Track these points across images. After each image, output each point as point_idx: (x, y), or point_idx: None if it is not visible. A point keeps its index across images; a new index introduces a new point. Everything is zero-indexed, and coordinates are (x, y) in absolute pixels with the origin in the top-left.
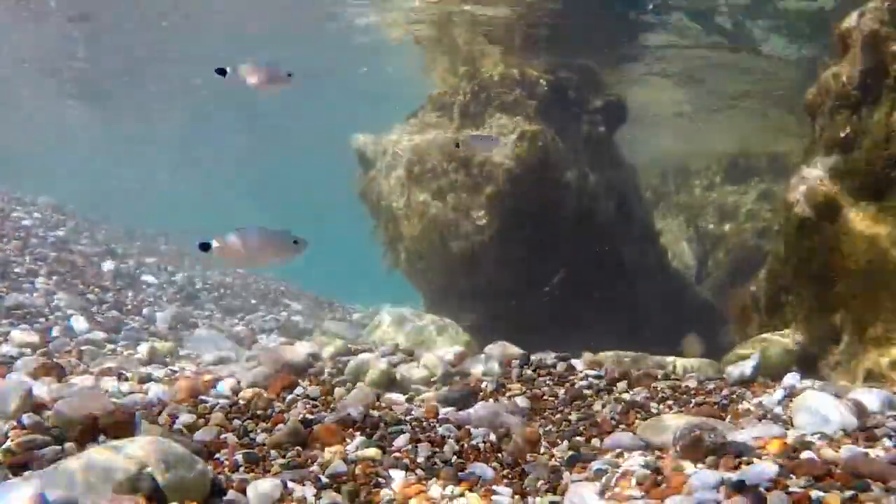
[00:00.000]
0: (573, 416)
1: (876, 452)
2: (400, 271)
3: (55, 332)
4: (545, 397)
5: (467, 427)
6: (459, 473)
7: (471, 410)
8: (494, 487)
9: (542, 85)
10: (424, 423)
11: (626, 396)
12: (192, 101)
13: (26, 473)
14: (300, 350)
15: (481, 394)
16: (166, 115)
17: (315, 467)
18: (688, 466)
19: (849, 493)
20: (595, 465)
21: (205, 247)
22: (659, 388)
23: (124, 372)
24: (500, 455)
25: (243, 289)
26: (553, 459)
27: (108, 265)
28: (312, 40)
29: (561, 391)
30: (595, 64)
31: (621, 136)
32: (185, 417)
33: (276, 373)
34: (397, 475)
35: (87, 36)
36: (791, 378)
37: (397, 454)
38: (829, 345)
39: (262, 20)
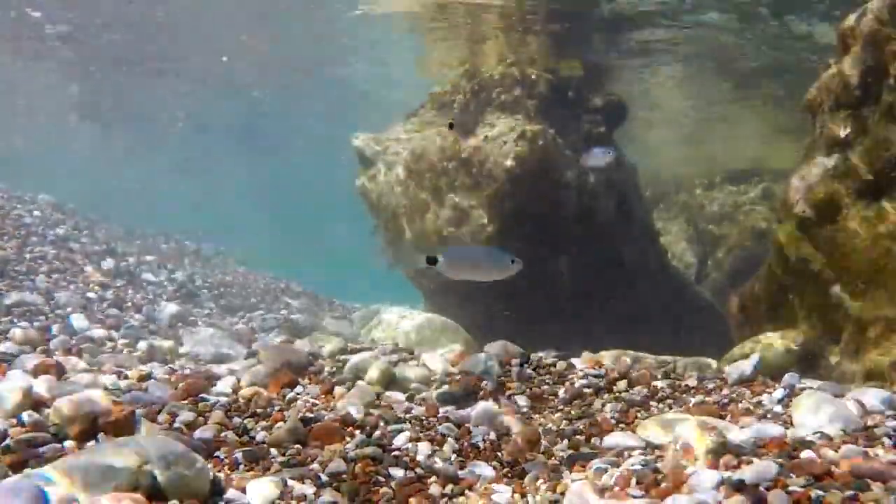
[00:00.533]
0: (573, 415)
1: (876, 452)
2: (400, 270)
3: (55, 329)
4: (545, 396)
5: (467, 426)
6: (459, 472)
7: (470, 409)
8: (494, 486)
9: (542, 84)
10: (424, 422)
11: (626, 395)
12: (192, 109)
13: (25, 471)
14: (300, 348)
15: (481, 392)
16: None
17: (315, 466)
18: (688, 465)
19: (848, 492)
20: (595, 464)
21: (432, 261)
22: (659, 388)
23: (124, 370)
24: (499, 454)
25: (243, 287)
26: (553, 458)
27: (107, 263)
28: (310, 39)
29: (561, 390)
30: (596, 54)
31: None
32: (185, 415)
33: (275, 371)
34: (397, 474)
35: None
36: (791, 378)
37: (397, 453)
38: (829, 344)
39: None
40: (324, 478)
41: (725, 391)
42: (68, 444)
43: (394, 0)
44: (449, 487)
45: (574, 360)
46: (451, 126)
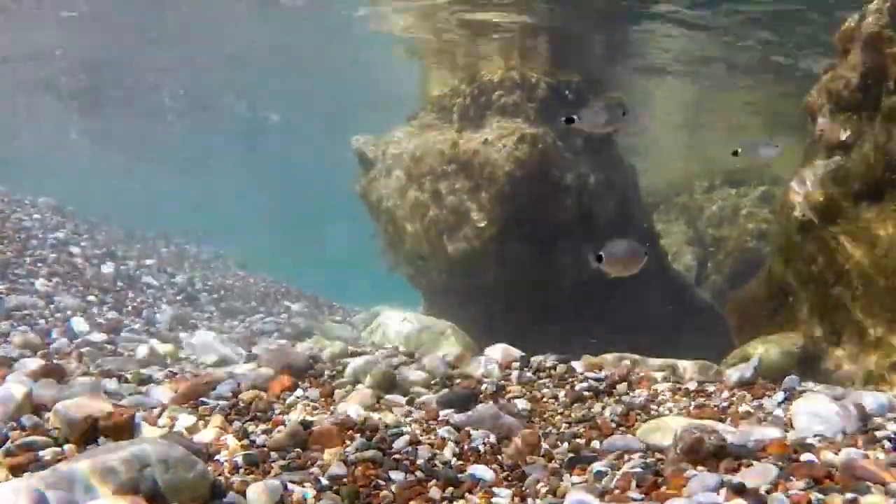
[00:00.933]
0: (573, 418)
1: (876, 455)
2: (400, 272)
3: (55, 333)
4: (545, 399)
5: (467, 429)
6: (459, 475)
7: (471, 412)
8: (494, 490)
9: (542, 87)
10: (424, 425)
11: (626, 398)
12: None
13: (26, 474)
14: (300, 352)
15: (481, 396)
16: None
17: (315, 469)
18: (688, 468)
19: (849, 495)
20: (595, 467)
21: (599, 259)
22: (659, 391)
23: (124, 373)
24: (499, 457)
25: (243, 291)
26: (553, 462)
27: (107, 267)
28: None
29: (561, 393)
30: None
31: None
32: (186, 419)
33: (276, 374)
34: (397, 477)
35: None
36: (791, 380)
37: (397, 456)
38: (829, 347)
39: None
40: (324, 481)
41: (725, 394)
42: (68, 447)
43: (393, 24)
44: (449, 491)
45: (574, 363)
46: (568, 121)
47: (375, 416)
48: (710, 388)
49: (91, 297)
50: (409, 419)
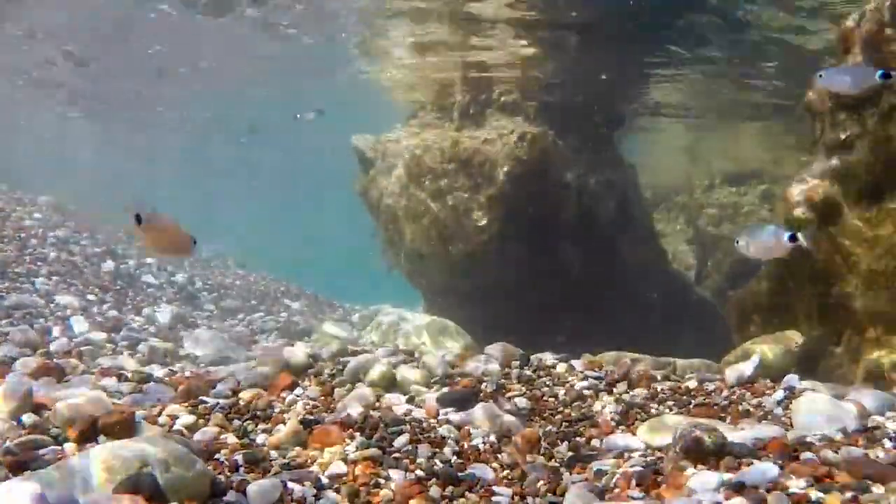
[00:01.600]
0: (573, 417)
1: (876, 453)
2: (400, 271)
3: (55, 332)
4: (545, 398)
5: (467, 428)
6: (459, 474)
7: (471, 411)
8: (494, 488)
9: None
10: (424, 424)
11: (626, 397)
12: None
13: (26, 473)
14: (300, 351)
15: (481, 394)
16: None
17: (315, 468)
18: (688, 467)
19: (849, 493)
20: (595, 465)
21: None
22: (659, 389)
23: (124, 372)
24: (499, 456)
25: (243, 289)
26: (553, 460)
27: (107, 265)
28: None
29: (561, 392)
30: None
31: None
32: (186, 418)
33: (276, 373)
34: (397, 476)
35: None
36: (791, 379)
37: (397, 455)
38: (829, 346)
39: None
40: (324, 480)
41: (725, 393)
42: (68, 446)
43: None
44: (449, 489)
45: (574, 362)
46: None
47: (375, 414)
48: (710, 387)
49: (91, 296)
50: (409, 418)
